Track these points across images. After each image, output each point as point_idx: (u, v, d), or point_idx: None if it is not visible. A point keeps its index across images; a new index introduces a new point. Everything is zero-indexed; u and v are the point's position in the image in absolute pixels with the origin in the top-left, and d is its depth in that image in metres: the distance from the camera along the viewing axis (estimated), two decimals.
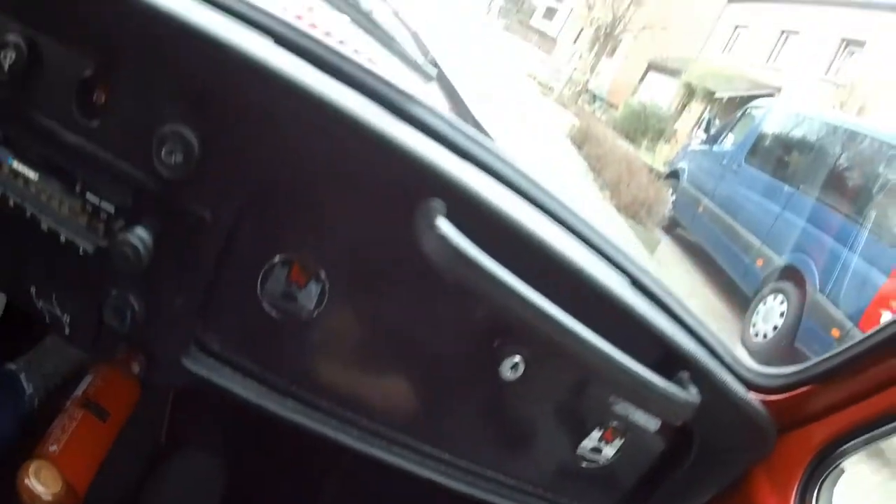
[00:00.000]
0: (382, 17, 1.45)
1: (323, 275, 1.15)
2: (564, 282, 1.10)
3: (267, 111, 1.04)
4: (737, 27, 34.70)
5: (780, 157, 13.69)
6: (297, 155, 1.08)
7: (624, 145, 21.21)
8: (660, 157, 26.56)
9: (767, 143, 14.30)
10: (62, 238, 1.12)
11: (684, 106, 31.63)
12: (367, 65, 1.14)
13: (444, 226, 1.00)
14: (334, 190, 1.11)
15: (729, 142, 15.58)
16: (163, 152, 1.03)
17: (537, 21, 63.70)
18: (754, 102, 16.47)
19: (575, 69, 28.35)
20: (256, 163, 1.09)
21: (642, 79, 39.92)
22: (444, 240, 0.99)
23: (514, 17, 58.85)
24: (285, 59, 1.05)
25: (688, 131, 30.86)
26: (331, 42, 1.14)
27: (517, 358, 1.18)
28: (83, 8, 1.03)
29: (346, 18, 1.39)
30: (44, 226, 1.12)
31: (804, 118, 13.95)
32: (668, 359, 1.20)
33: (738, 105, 28.03)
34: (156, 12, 0.99)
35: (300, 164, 1.09)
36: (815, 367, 1.31)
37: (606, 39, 30.72)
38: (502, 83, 20.69)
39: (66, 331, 1.22)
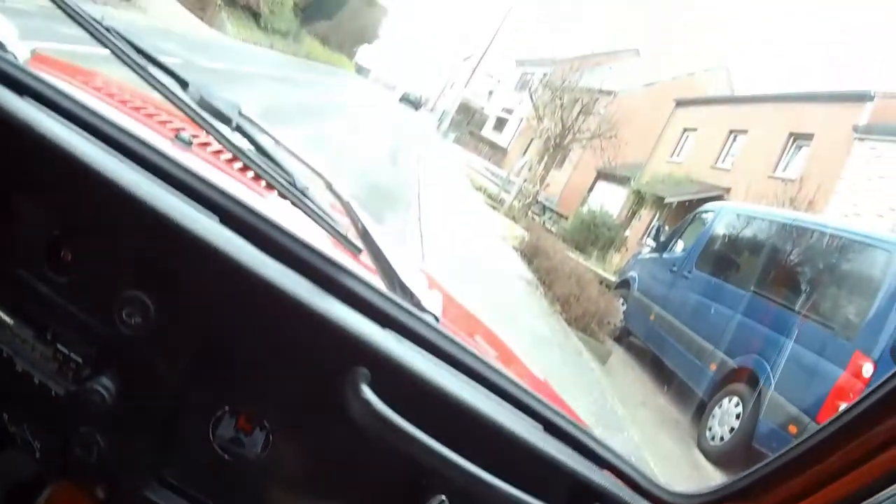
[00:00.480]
0: (316, 192, 1.52)
1: (267, 424, 1.25)
2: (480, 433, 1.19)
3: (212, 284, 1.17)
4: (685, 130, 35.08)
5: (730, 260, 13.79)
6: (238, 322, 1.20)
7: (574, 257, 20.99)
8: (610, 266, 26.45)
9: (717, 246, 14.33)
10: (35, 379, 1.24)
11: (634, 213, 31.70)
12: (303, 238, 1.22)
13: (368, 393, 1.11)
14: (272, 354, 1.21)
15: (679, 248, 15.54)
16: (124, 313, 1.15)
17: (488, 132, 64.53)
18: (703, 207, 16.48)
19: (525, 181, 28.18)
20: (204, 326, 1.21)
21: (591, 188, 40.19)
22: (367, 406, 1.11)
23: (465, 129, 59.36)
24: (229, 238, 1.16)
25: (638, 239, 30.97)
26: (270, 215, 1.23)
27: (442, 497, 1.23)
28: (49, 177, 1.17)
29: (278, 196, 1.50)
30: (18, 367, 1.23)
31: (752, 219, 14.08)
32: (581, 493, 1.26)
33: (687, 209, 28.27)
34: (114, 193, 1.12)
35: (241, 330, 1.21)
36: (737, 483, 1.30)
37: (556, 150, 30.68)
38: (450, 199, 20.56)
39: (37, 455, 1.31)
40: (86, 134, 1.19)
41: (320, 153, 14.65)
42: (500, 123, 64.99)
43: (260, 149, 1.53)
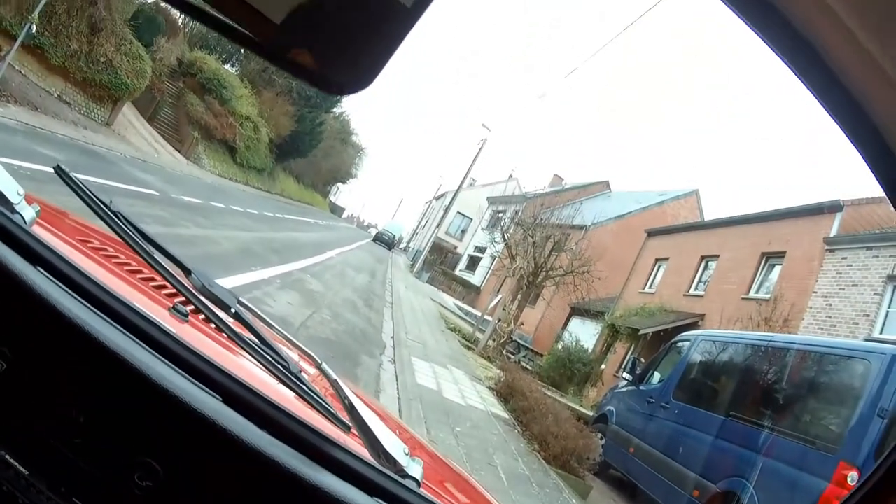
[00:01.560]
0: (307, 372, 1.70)
1: None
2: None
3: (218, 459, 1.22)
4: (657, 260, 35.07)
5: (707, 386, 13.66)
6: (241, 494, 1.24)
7: (551, 395, 20.51)
8: (587, 401, 26.03)
9: (694, 374, 14.17)
10: None
11: (609, 347, 31.34)
12: (298, 416, 1.33)
13: None
14: None
15: (655, 379, 15.39)
16: (135, 476, 1.19)
17: (461, 271, 64.69)
18: (678, 337, 16.29)
19: (499, 320, 27.84)
20: (209, 495, 1.23)
21: (566, 324, 39.93)
22: None
23: (438, 269, 59.39)
24: (232, 418, 1.23)
25: (614, 372, 30.56)
26: (268, 395, 1.34)
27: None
28: (58, 349, 1.23)
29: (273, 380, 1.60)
30: None
31: (726, 343, 14.05)
32: None
33: (662, 339, 28.00)
34: (124, 371, 1.20)
35: (244, 493, 1.24)
36: None
37: (529, 288, 30.48)
38: (425, 340, 20.24)
39: None
40: (92, 307, 1.28)
41: (294, 294, 14.72)
42: (473, 262, 65.46)
43: (257, 334, 1.60)
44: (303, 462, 1.24)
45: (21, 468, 1.21)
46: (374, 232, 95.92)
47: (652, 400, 14.60)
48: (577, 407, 22.25)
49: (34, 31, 18.75)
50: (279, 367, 1.52)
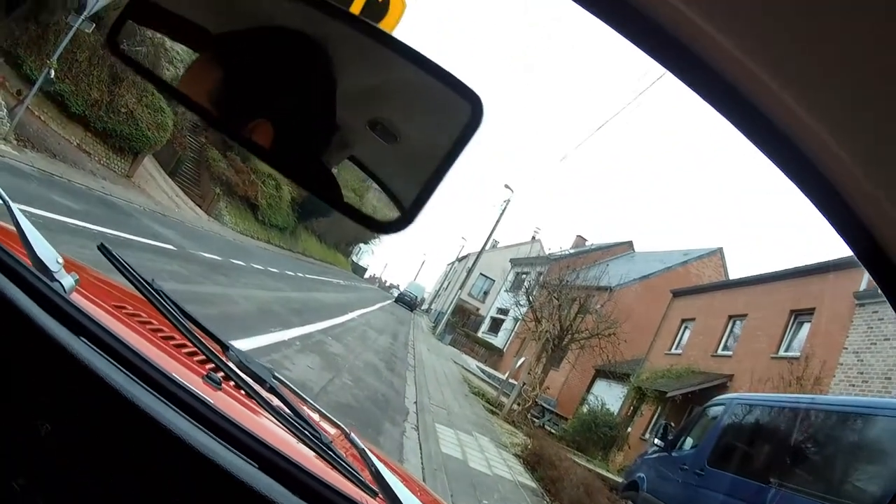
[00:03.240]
0: (336, 441, 1.78)
1: None
2: None
3: None
4: (683, 321, 34.20)
5: (744, 453, 12.92)
6: None
7: (580, 462, 19.67)
8: (614, 466, 25.15)
9: (729, 439, 13.36)
10: None
11: (635, 410, 30.46)
12: (331, 483, 1.43)
13: None
14: None
15: (688, 445, 14.65)
16: None
17: (484, 333, 63.86)
18: (712, 401, 15.62)
19: (524, 384, 27.08)
20: None
21: (590, 386, 39.02)
22: None
23: (460, 331, 58.57)
24: (270, 485, 1.29)
25: (640, 435, 29.62)
26: (302, 464, 1.44)
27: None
28: (103, 418, 1.31)
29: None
30: None
31: (761, 407, 13.41)
32: None
33: (690, 401, 27.13)
34: (169, 442, 1.27)
35: None
36: None
37: (554, 352, 29.68)
38: (448, 405, 19.57)
39: None
40: (133, 376, 1.35)
41: (314, 357, 14.20)
42: (496, 324, 64.50)
43: (291, 407, 1.68)
44: None
45: None
46: (395, 293, 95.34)
47: (686, 467, 13.81)
48: (605, 473, 21.43)
49: (53, 76, 18.49)
50: (312, 437, 1.59)
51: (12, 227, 1.68)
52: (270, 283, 23.14)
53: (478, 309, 72.24)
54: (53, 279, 1.54)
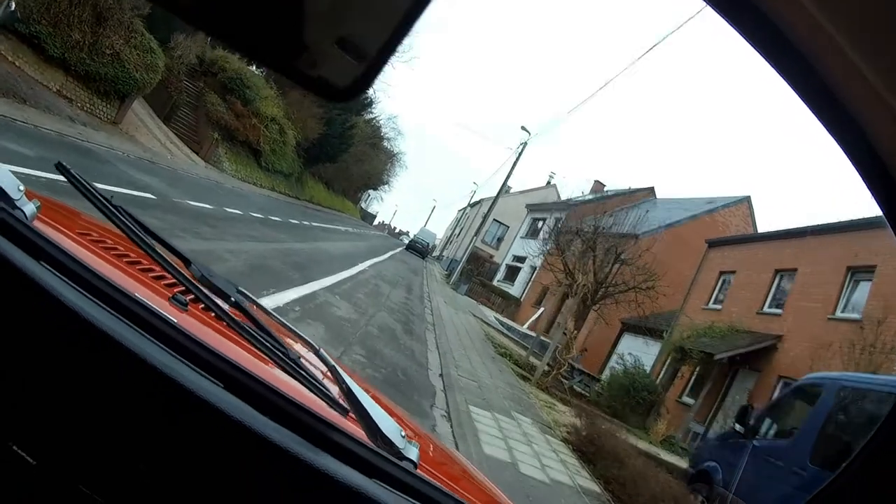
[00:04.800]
0: (306, 358, 1.73)
1: None
2: None
3: (220, 443, 1.25)
4: (721, 273, 31.63)
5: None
6: (244, 479, 1.26)
7: (649, 459, 16.26)
8: (656, 436, 22.48)
9: (836, 432, 10.79)
10: None
11: (675, 372, 27.92)
12: (298, 401, 1.35)
13: None
14: None
15: (772, 432, 12.44)
16: (138, 463, 1.24)
17: (499, 282, 61.67)
18: (803, 381, 13.16)
19: (558, 346, 24.23)
20: (215, 480, 1.26)
21: (616, 341, 36.55)
22: None
23: (476, 280, 56.19)
24: (235, 404, 1.26)
25: (675, 398, 27.20)
26: (269, 382, 1.37)
27: None
28: (63, 340, 1.27)
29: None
30: None
31: (879, 391, 10.71)
32: None
33: (738, 364, 24.66)
34: (131, 362, 1.23)
35: (245, 487, 1.26)
36: None
37: (586, 308, 26.96)
38: (477, 378, 17.01)
39: None
40: (94, 298, 1.31)
41: (317, 326, 11.18)
42: (512, 272, 62.25)
43: (255, 322, 1.60)
44: (303, 445, 1.26)
45: (29, 459, 1.23)
46: (406, 240, 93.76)
47: (776, 461, 11.28)
48: (643, 446, 18.68)
49: (15, 12, 16.73)
50: (278, 353, 1.51)
51: None
52: (269, 234, 20.73)
53: (492, 256, 69.89)
54: (15, 207, 1.52)
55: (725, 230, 38.21)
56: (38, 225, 1.55)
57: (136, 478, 1.22)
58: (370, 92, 55.11)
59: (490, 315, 42.94)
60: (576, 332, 25.38)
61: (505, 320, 44.15)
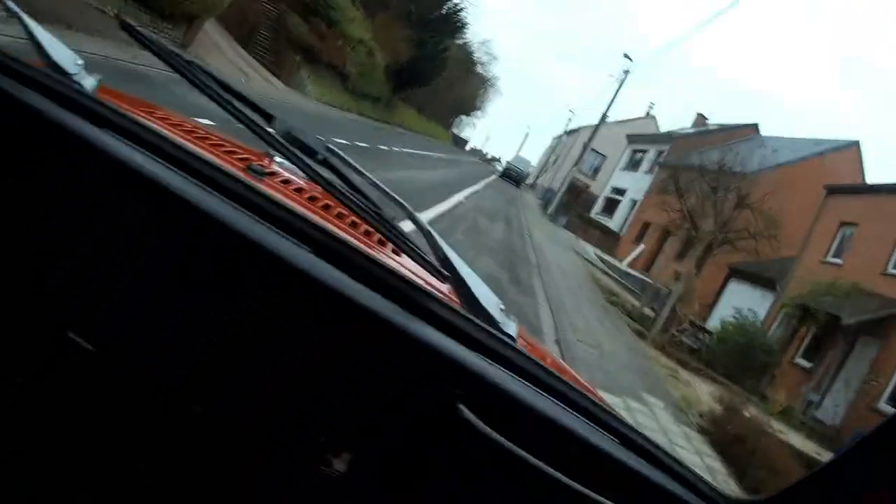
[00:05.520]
0: (402, 223, 1.57)
1: (355, 445, 1.23)
2: (567, 448, 1.21)
3: (314, 311, 1.20)
4: (842, 224, 28.34)
5: None
6: (337, 347, 1.20)
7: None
8: (775, 406, 19.66)
9: None
10: None
11: (795, 331, 25.07)
12: (393, 267, 1.28)
13: (467, 413, 1.15)
14: (368, 376, 1.21)
15: None
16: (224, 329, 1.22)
17: (596, 215, 59.30)
18: None
19: (678, 300, 21.64)
20: (310, 348, 1.21)
21: (721, 289, 33.65)
22: (469, 426, 1.15)
23: (574, 213, 53.86)
24: (325, 269, 1.19)
25: (789, 360, 24.52)
26: (359, 246, 1.31)
27: None
28: (141, 209, 1.23)
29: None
30: None
31: None
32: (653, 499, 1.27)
33: (861, 331, 21.89)
34: (213, 227, 1.18)
35: (339, 355, 1.20)
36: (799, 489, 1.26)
37: (706, 255, 24.27)
38: (597, 342, 14.91)
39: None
40: (168, 164, 1.23)
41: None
42: (610, 205, 59.74)
43: (347, 181, 1.53)
44: (399, 313, 1.21)
45: (88, 345, 1.18)
46: (498, 167, 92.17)
47: None
48: (764, 417, 15.85)
49: None
50: (372, 213, 1.41)
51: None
52: (356, 160, 18.53)
53: (588, 186, 66.93)
54: (73, 81, 1.40)
55: (835, 176, 34.07)
56: (100, 97, 1.38)
57: (215, 359, 1.17)
58: (463, 14, 53.55)
59: (590, 251, 40.86)
60: (698, 282, 22.88)
61: (605, 257, 41.91)
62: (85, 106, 1.25)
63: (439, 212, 18.37)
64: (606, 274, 32.98)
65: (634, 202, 52.97)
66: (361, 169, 1.57)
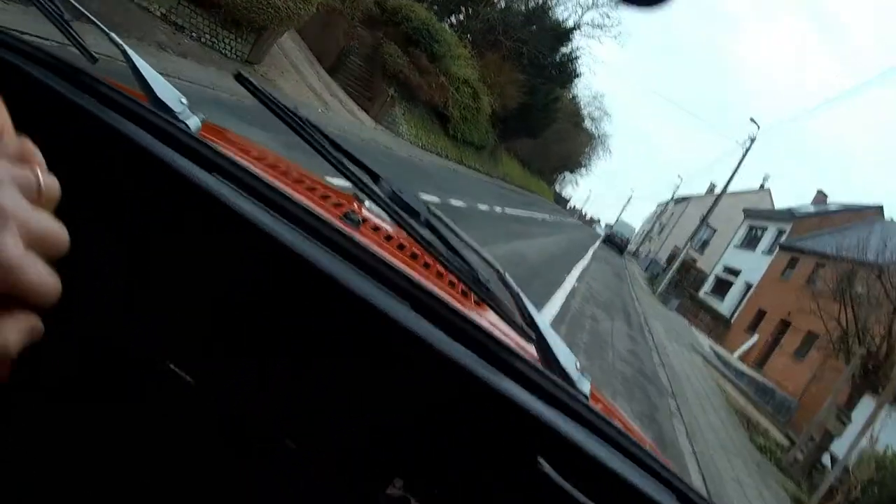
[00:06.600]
0: (493, 282, 1.60)
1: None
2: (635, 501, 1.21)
3: (408, 365, 1.22)
4: None
5: None
6: (427, 393, 1.24)
7: None
8: None
9: None
10: None
11: None
12: (483, 325, 1.30)
13: (547, 468, 1.17)
14: (459, 428, 1.24)
15: None
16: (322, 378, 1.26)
17: (705, 295, 54.76)
18: None
19: (825, 431, 16.71)
20: (404, 401, 1.25)
21: (849, 403, 27.94)
22: (548, 480, 1.17)
23: (685, 292, 49.35)
24: (420, 323, 1.21)
25: None
26: (452, 303, 1.32)
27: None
28: (243, 253, 1.24)
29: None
30: None
31: None
32: None
33: None
34: (315, 277, 1.18)
35: (431, 407, 1.24)
36: None
37: (867, 380, 19.34)
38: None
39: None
40: (269, 209, 1.25)
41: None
42: (721, 286, 54.88)
43: (446, 242, 1.54)
44: (486, 368, 1.23)
45: (188, 378, 1.23)
46: (598, 229, 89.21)
47: None
48: None
49: None
50: (467, 275, 1.48)
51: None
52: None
53: (695, 261, 62.20)
54: (178, 119, 1.47)
55: None
56: (203, 137, 1.44)
57: (311, 402, 1.23)
58: (578, 62, 50.19)
59: (705, 344, 36.25)
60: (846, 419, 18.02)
61: (718, 349, 37.32)
62: (192, 147, 1.28)
63: (554, 310, 14.94)
64: (724, 376, 28.48)
65: (749, 285, 48.62)
66: (460, 232, 1.55)
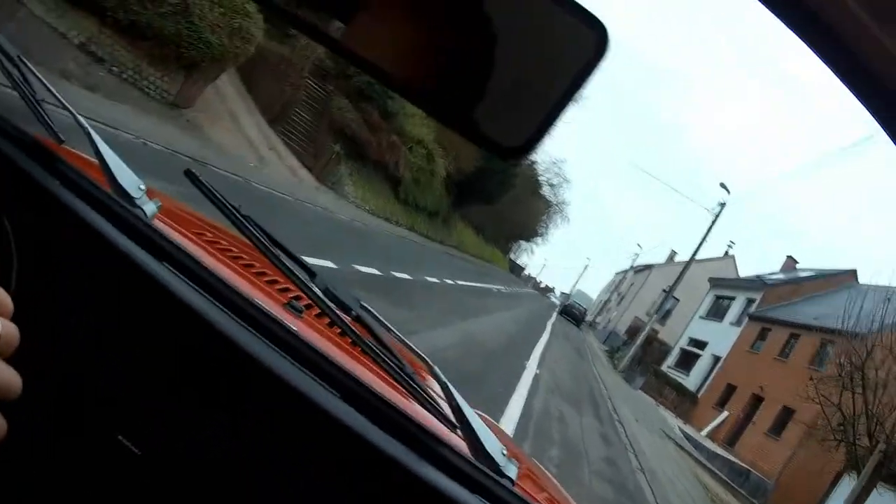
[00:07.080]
0: (421, 374, 1.82)
1: None
2: None
3: (335, 453, 1.29)
4: None
5: None
6: (353, 480, 1.31)
7: None
8: None
9: None
10: None
11: None
12: (410, 415, 1.39)
13: None
14: None
15: None
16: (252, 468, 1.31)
17: (668, 369, 53.32)
18: None
19: None
20: (328, 488, 1.31)
21: (833, 484, 26.86)
22: None
23: (650, 369, 47.44)
24: (349, 412, 1.29)
25: None
26: (384, 395, 1.40)
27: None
28: (184, 340, 1.33)
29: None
30: None
31: None
32: None
33: None
34: (252, 367, 1.26)
35: (358, 485, 1.31)
36: None
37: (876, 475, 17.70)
38: None
39: None
40: (215, 301, 1.33)
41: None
42: (687, 359, 53.26)
43: (375, 336, 1.60)
44: (412, 458, 1.29)
45: (135, 449, 1.25)
46: (554, 298, 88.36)
47: None
48: None
49: None
50: (394, 367, 1.54)
51: (93, 158, 1.60)
52: (386, 310, 12.17)
53: (657, 333, 60.38)
54: (135, 205, 1.54)
55: None
56: (158, 224, 1.59)
57: (246, 479, 1.26)
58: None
59: (674, 426, 34.63)
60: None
61: (687, 429, 35.73)
62: (147, 237, 1.38)
63: (516, 413, 12.59)
64: (698, 462, 27.24)
65: (717, 358, 47.28)
66: (391, 327, 1.61)
